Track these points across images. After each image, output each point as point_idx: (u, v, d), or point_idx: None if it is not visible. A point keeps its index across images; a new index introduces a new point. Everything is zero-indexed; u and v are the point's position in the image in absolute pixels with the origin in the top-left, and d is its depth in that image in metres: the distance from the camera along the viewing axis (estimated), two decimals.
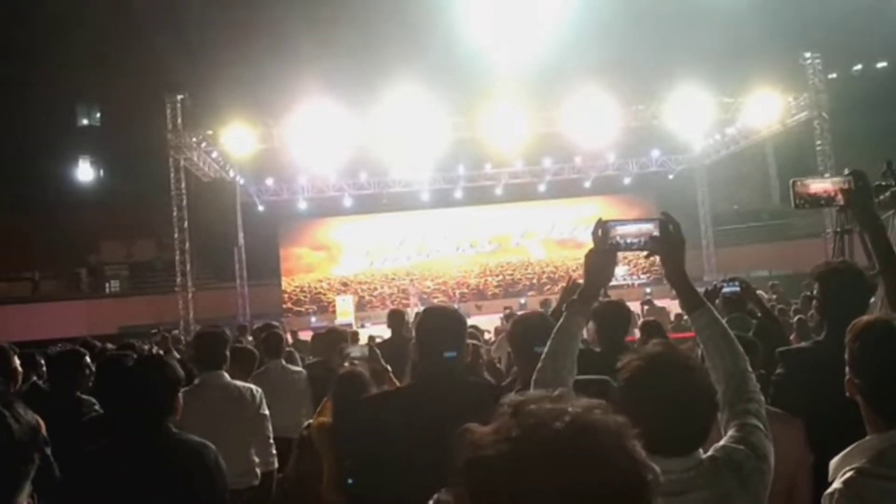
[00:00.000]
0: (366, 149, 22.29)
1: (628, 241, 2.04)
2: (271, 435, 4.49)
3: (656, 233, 2.03)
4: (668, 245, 2.03)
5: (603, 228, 2.06)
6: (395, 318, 8.38)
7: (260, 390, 4.47)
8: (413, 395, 2.74)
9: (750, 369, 1.93)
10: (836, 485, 1.75)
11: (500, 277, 29.19)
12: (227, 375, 4.42)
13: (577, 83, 20.30)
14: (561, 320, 2.14)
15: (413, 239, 29.57)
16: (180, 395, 2.83)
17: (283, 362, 6.08)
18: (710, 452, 1.77)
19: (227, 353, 4.60)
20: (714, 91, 21.46)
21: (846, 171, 2.14)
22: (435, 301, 27.88)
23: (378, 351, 4.68)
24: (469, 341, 3.75)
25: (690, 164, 28.82)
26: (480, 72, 20.55)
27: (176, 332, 17.00)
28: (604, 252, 2.07)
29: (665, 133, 23.81)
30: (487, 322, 14.42)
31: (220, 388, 4.32)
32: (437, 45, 21.12)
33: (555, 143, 24.07)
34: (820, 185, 2.13)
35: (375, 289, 29.22)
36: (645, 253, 2.06)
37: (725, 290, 4.75)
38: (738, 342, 1.98)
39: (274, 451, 4.48)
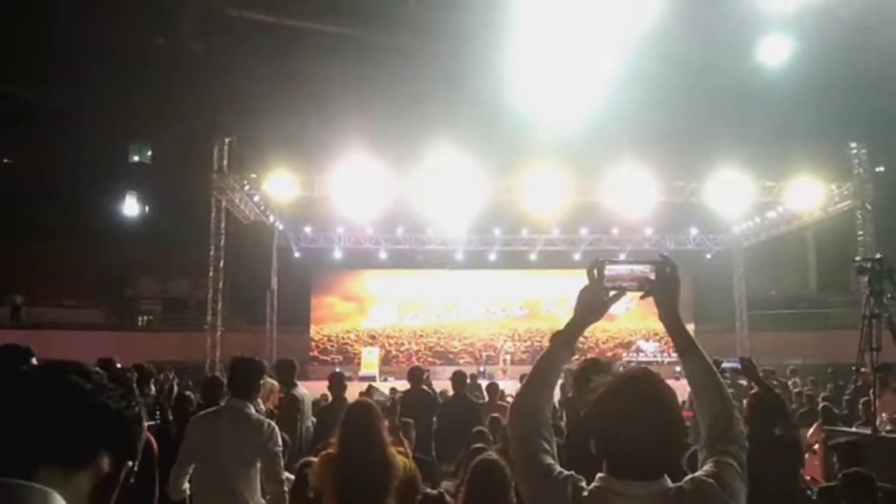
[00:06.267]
0: (404, 205, 22.43)
1: (624, 282, 2.01)
2: (282, 470, 4.41)
3: (652, 276, 2.01)
4: (664, 287, 2.00)
5: (598, 268, 2.02)
6: (415, 374, 8.39)
7: (274, 425, 4.46)
8: None
9: (738, 415, 1.91)
10: None
11: (529, 343, 28.88)
12: (251, 406, 4.48)
13: (619, 154, 20.36)
14: (545, 351, 2.11)
15: (444, 297, 29.48)
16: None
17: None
18: (679, 483, 1.75)
19: (260, 383, 4.67)
20: (756, 173, 21.35)
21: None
22: (461, 363, 27.64)
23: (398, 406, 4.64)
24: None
25: (728, 246, 28.51)
26: (522, 137, 20.70)
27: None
28: (597, 291, 2.03)
29: (704, 211, 23.64)
30: (511, 387, 14.18)
31: (242, 416, 4.38)
32: (480, 108, 21.37)
33: (593, 213, 24.04)
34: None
35: (402, 344, 29.07)
36: (640, 294, 2.02)
37: (725, 364, 4.65)
38: (726, 387, 1.96)
39: (286, 489, 4.37)
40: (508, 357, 27.21)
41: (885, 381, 8.12)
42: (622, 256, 25.28)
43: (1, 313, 27.46)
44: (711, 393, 1.90)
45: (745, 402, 5.13)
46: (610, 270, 2.02)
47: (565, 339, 2.07)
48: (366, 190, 20.41)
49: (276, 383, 8.20)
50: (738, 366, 4.70)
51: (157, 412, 6.49)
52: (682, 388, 1.93)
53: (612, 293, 2.03)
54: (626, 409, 1.76)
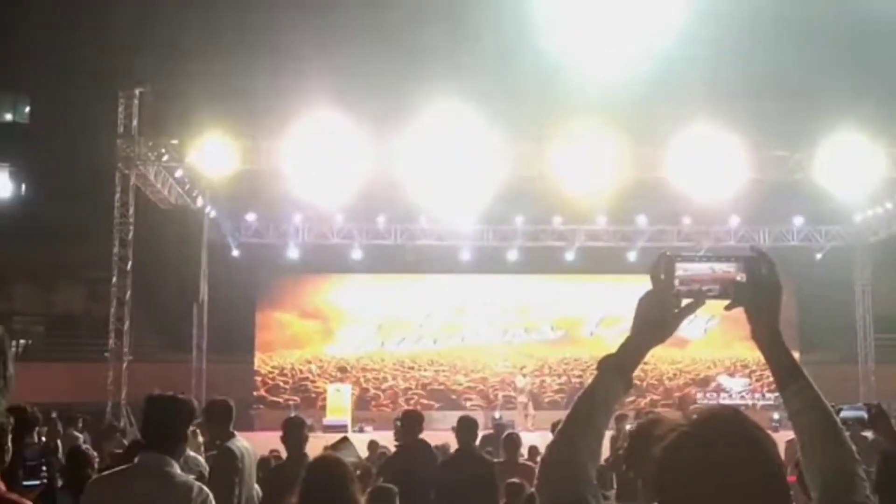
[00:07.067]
0: (388, 183, 22.46)
1: (702, 286, 1.99)
2: None
3: (741, 276, 1.99)
4: (759, 294, 2.00)
5: (667, 266, 2.00)
6: (411, 422, 8.43)
7: (207, 490, 4.47)
8: None
9: (862, 474, 1.88)
10: None
11: (564, 379, 28.89)
12: (174, 463, 4.42)
13: (691, 114, 20.36)
14: (589, 384, 2.07)
15: (445, 314, 29.48)
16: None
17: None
18: None
19: (187, 431, 4.68)
20: (888, 140, 21.34)
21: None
22: (468, 405, 27.58)
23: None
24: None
25: (847, 241, 28.53)
26: (556, 89, 20.73)
27: None
28: (665, 298, 2.01)
29: (814, 193, 23.60)
30: (540, 440, 14.24)
31: (162, 477, 4.33)
32: (494, 49, 21.36)
33: (654, 196, 24.04)
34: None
35: (385, 380, 29.07)
36: (725, 303, 2.00)
37: (846, 413, 4.66)
38: (847, 435, 1.94)
39: None
40: (529, 401, 26.59)
41: None
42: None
43: None
44: (826, 441, 1.88)
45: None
46: (682, 270, 2.00)
47: (619, 366, 2.05)
48: (333, 162, 20.44)
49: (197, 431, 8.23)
50: (864, 414, 4.73)
51: (44, 469, 6.53)
52: (781, 443, 1.93)
53: (685, 301, 2.01)
54: (710, 464, 1.70)
